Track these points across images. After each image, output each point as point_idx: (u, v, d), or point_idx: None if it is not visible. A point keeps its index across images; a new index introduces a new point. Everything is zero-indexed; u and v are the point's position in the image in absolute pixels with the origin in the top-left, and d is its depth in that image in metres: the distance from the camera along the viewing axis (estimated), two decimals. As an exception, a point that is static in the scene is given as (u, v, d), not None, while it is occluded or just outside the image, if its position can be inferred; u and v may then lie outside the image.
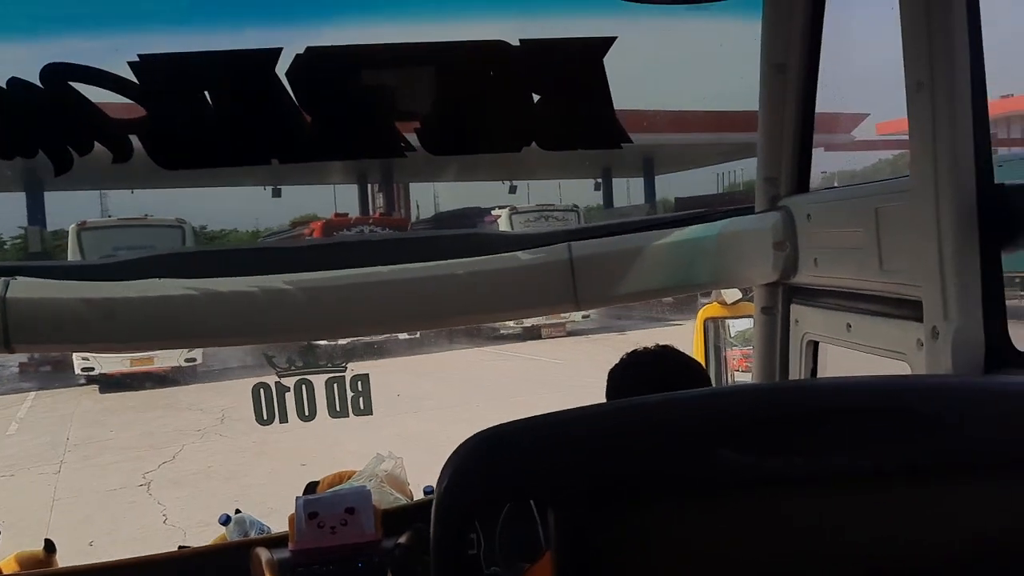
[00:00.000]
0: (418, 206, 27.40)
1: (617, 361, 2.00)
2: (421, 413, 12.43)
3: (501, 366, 17.66)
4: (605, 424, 0.92)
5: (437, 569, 0.91)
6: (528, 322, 19.68)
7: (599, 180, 27.00)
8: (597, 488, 0.89)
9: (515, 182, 23.59)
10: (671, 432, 0.91)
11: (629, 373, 1.94)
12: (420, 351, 18.90)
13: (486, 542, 2.08)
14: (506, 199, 23.27)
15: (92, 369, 16.73)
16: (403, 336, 18.70)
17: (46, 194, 20.40)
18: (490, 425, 0.91)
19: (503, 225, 20.22)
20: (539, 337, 20.27)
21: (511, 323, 19.82)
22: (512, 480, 0.90)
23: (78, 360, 16.42)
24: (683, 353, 2.05)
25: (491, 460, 0.90)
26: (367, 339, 18.51)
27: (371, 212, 23.80)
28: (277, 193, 23.02)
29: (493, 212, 21.78)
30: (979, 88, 1.47)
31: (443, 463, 0.91)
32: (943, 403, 0.94)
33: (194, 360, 17.20)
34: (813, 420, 0.92)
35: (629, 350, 2.04)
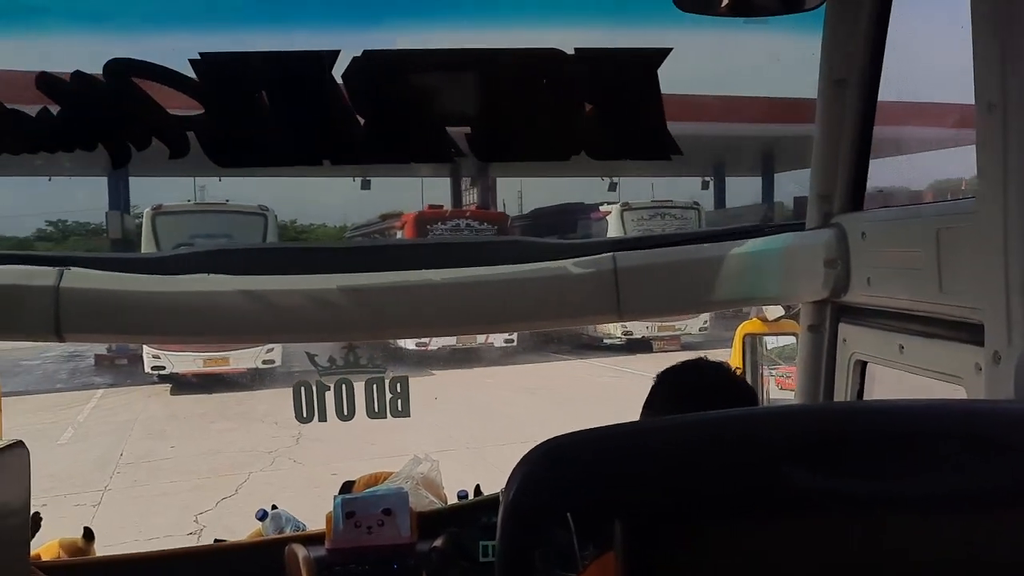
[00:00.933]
0: (504, 203, 25.68)
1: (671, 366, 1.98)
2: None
3: (612, 383, 15.74)
4: (677, 437, 0.91)
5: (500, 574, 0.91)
6: (637, 332, 18.83)
7: (707, 179, 24.72)
8: (666, 502, 0.89)
9: (615, 178, 21.74)
10: (742, 449, 0.90)
11: (684, 380, 1.92)
12: (518, 360, 18.20)
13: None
14: (596, 196, 21.78)
15: (163, 368, 15.98)
16: (497, 343, 18.50)
17: (132, 179, 19.46)
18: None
19: (613, 223, 18.90)
20: (650, 350, 18.81)
21: (617, 332, 19.05)
22: (580, 490, 0.90)
23: (148, 358, 15.80)
24: (721, 364, 2.03)
25: (560, 468, 0.90)
26: (459, 345, 18.23)
27: (463, 205, 22.25)
28: (366, 185, 21.63)
29: (601, 208, 20.26)
30: None
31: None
32: (1012, 428, 0.92)
33: (272, 363, 16.16)
34: (883, 443, 0.90)
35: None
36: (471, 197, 23.00)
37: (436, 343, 17.63)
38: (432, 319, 2.39)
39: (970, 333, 1.65)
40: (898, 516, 0.91)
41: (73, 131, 2.12)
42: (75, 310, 2.17)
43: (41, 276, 2.15)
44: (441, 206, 21.02)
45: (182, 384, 16.32)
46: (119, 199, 19.60)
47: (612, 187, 21.67)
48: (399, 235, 19.10)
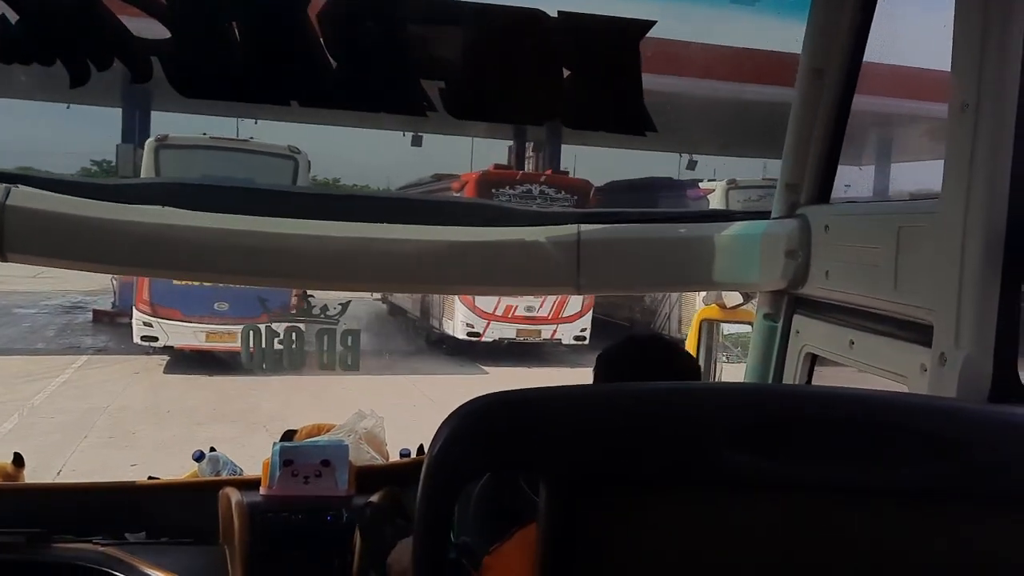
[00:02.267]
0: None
1: (612, 343, 1.97)
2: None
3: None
4: (612, 405, 0.90)
5: (419, 530, 0.89)
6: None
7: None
8: (597, 469, 0.87)
9: (694, 156, 19.59)
10: (680, 423, 0.88)
11: (626, 355, 1.91)
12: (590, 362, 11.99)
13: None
14: (656, 172, 18.79)
15: (155, 340, 13.09)
16: (566, 339, 15.47)
17: (155, 114, 15.86)
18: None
19: (717, 200, 16.08)
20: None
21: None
22: (509, 449, 0.88)
23: (138, 325, 13.02)
24: (672, 342, 2.03)
25: (489, 426, 0.88)
26: (519, 339, 14.76)
27: (525, 168, 18.61)
28: (417, 141, 18.41)
29: (701, 185, 17.31)
30: None
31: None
32: (954, 426, 0.92)
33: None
34: (824, 428, 0.90)
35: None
36: (532, 164, 19.64)
37: (492, 334, 15.13)
38: (391, 273, 2.36)
39: (919, 333, 1.66)
40: (829, 499, 0.91)
41: (31, 43, 2.04)
42: (20, 230, 2.10)
43: None
44: (508, 167, 17.99)
45: (180, 361, 13.24)
46: (134, 132, 16.11)
47: (691, 165, 19.80)
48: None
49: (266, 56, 2.16)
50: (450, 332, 15.48)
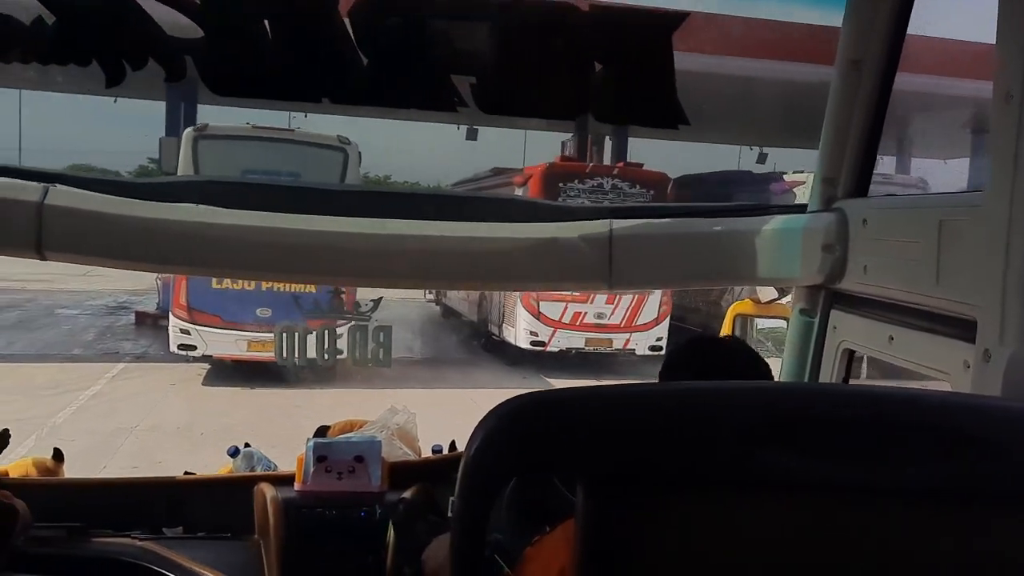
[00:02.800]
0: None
1: (683, 342, 1.92)
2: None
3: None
4: (650, 405, 0.89)
5: (456, 530, 0.89)
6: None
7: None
8: (632, 469, 0.86)
9: (765, 149, 18.76)
10: (716, 423, 0.87)
11: (684, 360, 1.86)
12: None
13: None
14: (721, 166, 18.29)
15: (193, 348, 12.12)
16: (640, 349, 14.14)
17: (202, 107, 14.54)
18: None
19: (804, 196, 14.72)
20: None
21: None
22: (545, 450, 0.87)
23: (175, 332, 12.12)
24: (753, 350, 1.96)
25: (525, 427, 0.88)
26: (588, 348, 13.67)
27: (591, 160, 16.95)
28: (472, 135, 17.72)
29: (786, 179, 15.62)
30: None
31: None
32: (997, 426, 0.90)
33: (340, 352, 10.35)
34: (857, 427, 0.88)
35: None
36: (592, 157, 18.01)
37: (558, 343, 14.18)
38: (419, 270, 2.36)
39: (962, 329, 1.62)
40: (864, 501, 0.89)
41: (67, 43, 2.06)
42: (59, 229, 2.13)
43: (26, 191, 2.11)
44: (576, 158, 16.56)
45: (220, 371, 12.32)
46: (178, 126, 14.92)
47: (761, 158, 18.94)
48: (519, 193, 14.87)
49: (297, 53, 2.17)
50: (511, 340, 14.43)
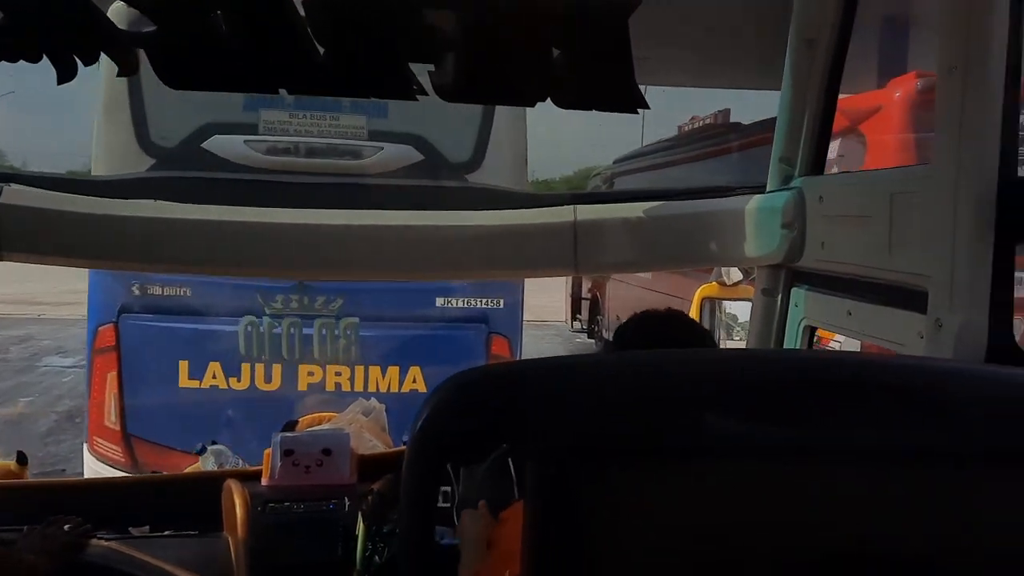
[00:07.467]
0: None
1: (626, 320, 1.95)
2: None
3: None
4: (599, 375, 0.89)
5: (405, 506, 0.89)
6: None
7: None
8: (579, 441, 0.87)
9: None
10: (661, 391, 0.88)
11: (638, 333, 1.88)
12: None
13: (465, 494, 2.07)
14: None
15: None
16: None
17: None
18: None
19: None
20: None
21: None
22: (495, 421, 0.87)
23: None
24: (692, 319, 2.02)
25: (469, 402, 0.87)
26: None
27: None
28: None
29: None
30: (1014, 77, 1.42)
31: None
32: (946, 386, 0.91)
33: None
34: (809, 391, 0.89)
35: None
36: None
37: None
38: (386, 261, 2.35)
39: (914, 300, 1.65)
40: (820, 467, 0.90)
41: (15, 40, 2.03)
42: (14, 228, 2.10)
43: None
44: None
45: None
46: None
47: None
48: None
49: (253, 44, 2.15)
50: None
